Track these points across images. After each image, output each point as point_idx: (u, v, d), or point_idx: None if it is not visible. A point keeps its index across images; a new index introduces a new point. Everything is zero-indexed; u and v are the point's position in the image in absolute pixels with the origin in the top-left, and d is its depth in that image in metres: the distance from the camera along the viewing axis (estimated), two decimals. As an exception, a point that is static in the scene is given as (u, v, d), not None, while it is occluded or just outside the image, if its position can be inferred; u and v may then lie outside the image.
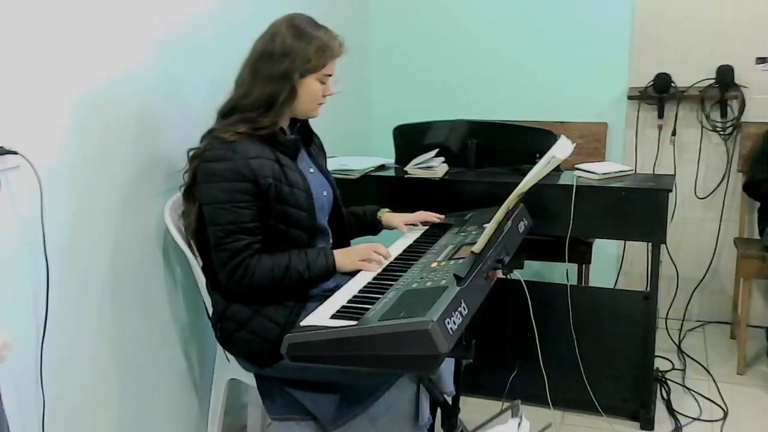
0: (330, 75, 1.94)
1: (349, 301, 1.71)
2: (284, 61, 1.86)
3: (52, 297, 1.67)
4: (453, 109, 3.40)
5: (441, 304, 1.51)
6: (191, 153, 1.90)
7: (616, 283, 3.43)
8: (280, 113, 1.89)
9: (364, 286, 1.80)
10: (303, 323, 1.61)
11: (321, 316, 1.63)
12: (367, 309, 1.61)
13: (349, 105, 3.45)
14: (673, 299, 3.35)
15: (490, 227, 1.77)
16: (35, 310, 1.65)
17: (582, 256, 2.95)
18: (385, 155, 2.85)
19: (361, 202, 2.35)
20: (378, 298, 1.67)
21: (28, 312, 1.64)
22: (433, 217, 2.27)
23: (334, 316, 1.62)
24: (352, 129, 3.49)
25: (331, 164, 2.67)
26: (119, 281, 1.92)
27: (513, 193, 1.80)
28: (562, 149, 1.80)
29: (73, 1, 1.72)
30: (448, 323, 1.49)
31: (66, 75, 1.71)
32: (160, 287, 2.09)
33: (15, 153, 1.55)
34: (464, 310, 1.58)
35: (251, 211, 1.83)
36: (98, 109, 1.82)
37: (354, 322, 1.54)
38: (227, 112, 1.90)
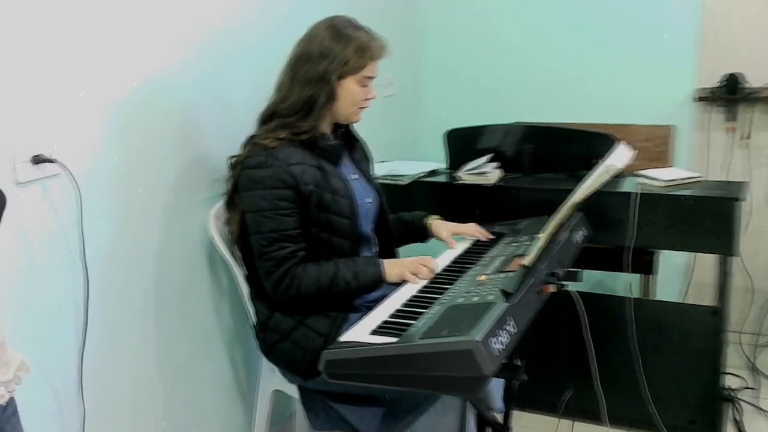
0: (371, 77, 1.88)
1: (392, 316, 1.64)
2: (322, 62, 1.81)
3: (92, 306, 1.65)
4: (508, 112, 3.26)
5: (486, 322, 1.42)
6: (232, 161, 1.87)
7: (685, 296, 3.25)
8: (319, 117, 1.84)
9: (408, 300, 1.73)
10: (342, 338, 1.55)
11: (361, 332, 1.56)
12: (410, 325, 1.53)
13: (402, 109, 3.38)
14: (748, 312, 3.15)
15: (542, 239, 1.67)
16: (75, 319, 1.64)
17: (646, 266, 2.78)
18: (438, 160, 2.76)
19: (411, 209, 2.28)
20: (422, 313, 1.59)
21: (69, 321, 1.63)
22: (483, 235, 2.16)
23: (374, 332, 1.56)
24: (404, 133, 3.42)
25: (382, 169, 2.62)
26: (162, 290, 1.90)
27: (567, 204, 1.69)
28: (620, 157, 1.68)
29: (112, 4, 1.70)
30: (494, 343, 1.40)
31: (104, 80, 1.69)
32: (204, 296, 2.06)
33: (53, 161, 1.54)
34: (512, 328, 1.49)
35: (294, 218, 1.79)
36: (138, 115, 1.80)
37: (394, 339, 1.47)
38: (267, 118, 1.86)
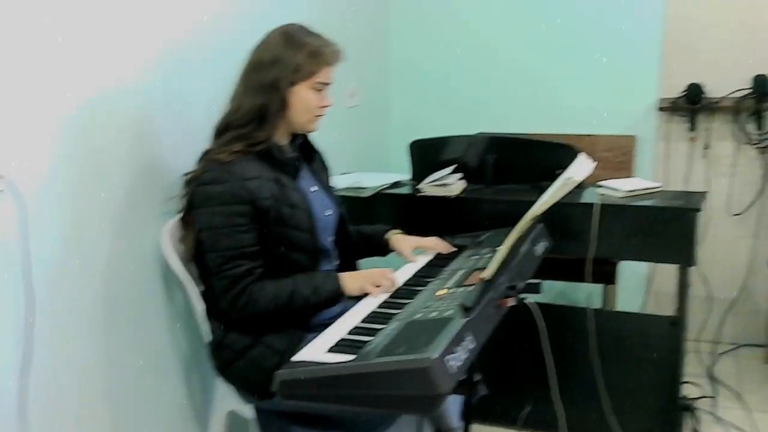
0: (326, 84, 1.84)
1: (349, 333, 1.62)
2: (272, 69, 1.77)
3: (38, 326, 1.59)
4: (476, 122, 3.28)
5: (443, 339, 1.40)
6: (187, 177, 1.82)
7: (645, 304, 3.28)
8: (274, 126, 1.81)
9: (367, 316, 1.70)
10: (296, 358, 1.52)
11: (317, 350, 1.54)
12: (367, 342, 1.51)
13: (367, 119, 3.36)
14: (705, 321, 3.19)
15: (501, 252, 1.66)
16: (20, 340, 1.57)
17: (607, 276, 2.81)
18: (405, 171, 2.75)
19: (373, 222, 2.26)
20: (380, 330, 1.57)
21: (12, 343, 1.56)
22: (444, 248, 2.14)
23: (331, 350, 1.53)
24: (370, 144, 3.40)
25: (344, 181, 2.60)
26: (112, 308, 1.84)
27: (526, 217, 1.69)
28: (579, 170, 1.68)
29: (64, 15, 1.65)
30: (451, 360, 1.38)
31: (56, 93, 1.63)
32: (157, 313, 2.00)
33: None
34: (470, 344, 1.47)
35: (251, 234, 1.75)
36: (91, 128, 1.74)
37: (351, 357, 1.44)
38: (221, 131, 1.82)
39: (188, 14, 2.07)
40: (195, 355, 2.12)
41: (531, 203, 1.77)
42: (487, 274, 1.63)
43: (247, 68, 1.82)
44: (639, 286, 3.30)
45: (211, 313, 1.88)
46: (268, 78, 1.77)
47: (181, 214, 1.85)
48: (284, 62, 1.77)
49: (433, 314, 1.58)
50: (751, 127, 3.08)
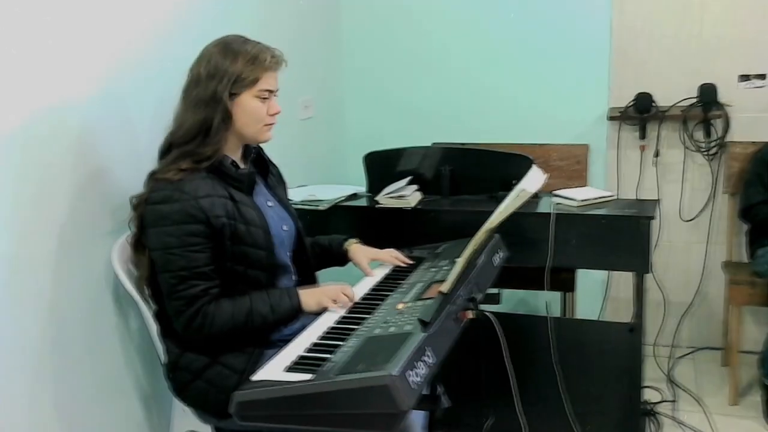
0: (270, 91, 1.80)
1: (307, 350, 1.59)
2: (211, 82, 1.73)
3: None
4: (431, 132, 3.29)
5: (403, 354, 1.39)
6: (134, 200, 1.77)
7: (602, 311, 3.31)
8: (219, 140, 1.75)
9: (325, 332, 1.68)
10: (255, 377, 1.48)
11: (275, 369, 1.50)
12: (326, 359, 1.48)
13: (322, 131, 3.34)
14: (662, 325, 3.23)
15: (458, 265, 1.65)
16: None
17: (566, 284, 2.83)
18: (361, 183, 2.72)
19: (330, 234, 2.23)
20: (339, 346, 1.55)
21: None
22: (401, 261, 2.12)
23: (289, 369, 1.50)
24: (326, 156, 3.38)
25: (300, 194, 2.57)
26: (60, 330, 1.78)
27: (481, 229, 1.68)
28: (532, 181, 1.69)
29: (9, 25, 1.59)
30: (411, 376, 1.36)
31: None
32: (110, 334, 1.94)
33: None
34: (429, 358, 1.46)
35: (205, 254, 1.70)
36: (33, 144, 1.68)
37: (309, 376, 1.42)
38: (165, 151, 1.77)
39: (133, 28, 2.03)
40: (151, 376, 2.06)
41: (488, 213, 1.77)
42: (445, 287, 1.62)
43: (187, 85, 1.77)
44: (597, 292, 3.33)
45: (166, 333, 1.82)
46: (208, 91, 1.73)
47: (132, 239, 1.80)
48: (223, 73, 1.73)
49: (392, 329, 1.56)
50: (698, 135, 3.14)
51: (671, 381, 2.98)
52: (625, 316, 3.11)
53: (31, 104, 1.67)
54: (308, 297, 1.81)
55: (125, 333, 1.99)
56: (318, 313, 1.81)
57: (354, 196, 2.64)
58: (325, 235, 2.17)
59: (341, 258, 2.13)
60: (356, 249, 2.12)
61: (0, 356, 1.61)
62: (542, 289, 2.35)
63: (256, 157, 1.93)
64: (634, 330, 2.36)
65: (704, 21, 3.07)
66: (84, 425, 1.86)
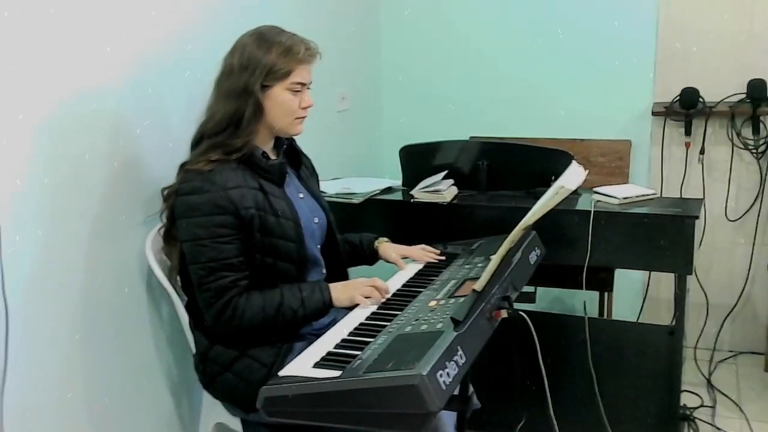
0: (302, 84, 1.77)
1: (337, 346, 1.56)
2: (244, 73, 1.71)
3: (12, 342, 1.54)
4: (468, 126, 3.25)
5: (434, 354, 1.35)
6: (165, 192, 1.77)
7: (641, 312, 3.23)
8: (250, 132, 1.74)
9: (355, 328, 1.65)
10: (282, 372, 1.46)
11: (303, 365, 1.48)
12: (355, 356, 1.46)
13: (358, 124, 3.31)
14: (703, 328, 3.14)
15: (493, 263, 1.61)
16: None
17: (603, 283, 2.76)
18: (397, 176, 2.69)
19: (363, 229, 2.21)
20: (368, 343, 1.52)
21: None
22: (432, 256, 2.09)
23: (317, 365, 1.47)
24: (362, 149, 3.35)
25: (334, 187, 2.54)
26: (94, 320, 1.79)
27: (517, 227, 1.64)
28: (571, 179, 1.63)
29: (40, 18, 1.59)
30: (441, 376, 1.33)
31: (30, 99, 1.58)
32: (142, 325, 1.95)
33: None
34: (461, 358, 1.42)
35: (234, 245, 1.69)
36: (68, 134, 1.68)
37: (337, 373, 1.39)
38: (197, 142, 1.77)
39: (170, 17, 2.02)
40: (182, 366, 2.07)
41: (525, 210, 1.72)
42: (478, 285, 1.58)
43: (220, 75, 1.76)
44: (636, 293, 3.25)
45: (196, 325, 1.82)
46: (240, 82, 1.71)
47: (164, 230, 1.80)
48: (256, 64, 1.71)
49: (423, 327, 1.53)
50: (747, 132, 3.03)
51: (711, 386, 2.90)
52: (665, 317, 3.04)
53: (65, 93, 1.67)
54: (339, 292, 1.79)
55: (157, 323, 2.00)
56: (349, 307, 1.79)
57: (389, 190, 2.61)
58: (355, 233, 2.15)
59: (371, 256, 2.11)
60: (386, 247, 2.10)
61: (33, 345, 1.62)
62: (579, 288, 2.30)
63: (288, 149, 1.91)
64: (673, 333, 2.29)
65: (755, 14, 2.96)
66: (114, 414, 1.88)
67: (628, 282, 3.17)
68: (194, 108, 1.81)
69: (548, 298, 3.29)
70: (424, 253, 2.09)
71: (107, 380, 1.84)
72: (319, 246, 1.92)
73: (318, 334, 1.68)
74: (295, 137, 1.91)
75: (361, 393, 1.31)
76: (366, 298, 1.78)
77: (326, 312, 1.79)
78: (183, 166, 1.76)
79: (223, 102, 1.73)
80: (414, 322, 1.57)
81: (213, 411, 1.92)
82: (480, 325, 1.55)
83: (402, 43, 3.45)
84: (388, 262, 2.08)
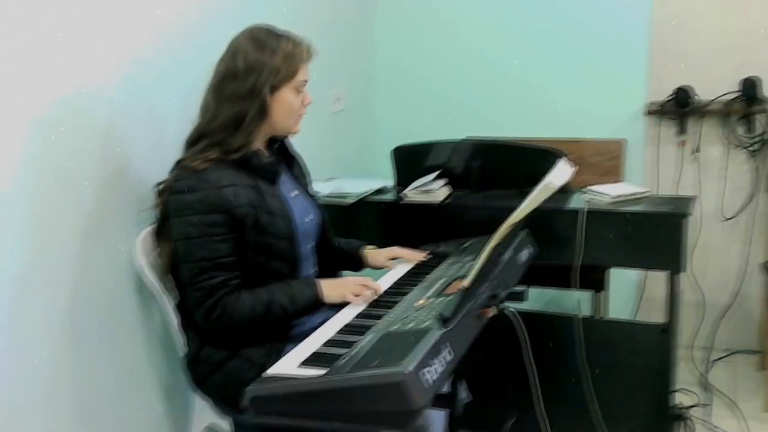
0: (305, 82, 1.81)
1: (324, 345, 1.57)
2: (250, 76, 1.73)
3: (0, 343, 1.54)
4: (463, 126, 3.24)
5: (419, 351, 1.35)
6: (159, 187, 1.78)
7: (636, 311, 3.23)
8: (250, 133, 1.75)
9: (343, 327, 1.65)
10: (269, 372, 1.47)
11: (290, 364, 1.49)
12: (341, 355, 1.46)
13: (353, 124, 3.31)
14: (699, 327, 3.13)
15: (480, 260, 1.61)
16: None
17: (596, 283, 2.77)
18: (392, 177, 2.69)
19: (356, 229, 2.22)
20: (355, 342, 1.52)
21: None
22: (415, 257, 2.08)
23: (304, 364, 1.48)
24: (356, 149, 3.36)
25: (327, 187, 2.55)
26: (83, 321, 1.78)
27: (504, 224, 1.64)
28: (559, 175, 1.63)
29: (32, 13, 1.60)
30: (427, 373, 1.33)
31: (21, 96, 1.58)
32: (132, 327, 1.95)
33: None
34: (448, 356, 1.42)
35: (227, 244, 1.70)
36: (58, 133, 1.68)
37: (323, 372, 1.39)
38: (194, 141, 1.77)
39: (162, 18, 2.02)
40: (172, 367, 2.06)
41: (516, 210, 1.72)
42: (466, 282, 1.58)
43: (220, 78, 1.76)
44: (630, 292, 3.25)
45: (187, 325, 1.82)
46: (246, 86, 1.73)
47: (155, 227, 1.80)
48: (261, 68, 1.73)
49: (411, 325, 1.52)
50: (740, 131, 3.03)
51: (705, 384, 2.89)
52: (660, 316, 3.02)
53: (56, 93, 1.67)
54: (330, 288, 1.79)
55: (147, 325, 2.00)
56: (340, 306, 1.79)
57: (381, 191, 2.61)
58: (348, 233, 2.15)
59: (357, 263, 2.11)
60: (374, 254, 2.11)
61: (21, 347, 1.62)
62: (573, 287, 2.30)
63: (280, 147, 1.92)
64: (666, 331, 2.29)
65: (749, 13, 2.96)
66: (104, 417, 1.87)
67: (624, 281, 3.17)
68: (186, 109, 1.82)
69: (545, 299, 3.29)
70: (411, 253, 2.09)
71: (97, 382, 1.84)
72: (311, 245, 1.93)
73: (310, 334, 1.68)
74: (292, 137, 1.92)
75: (347, 391, 1.31)
76: (356, 296, 1.78)
77: (317, 308, 1.79)
78: (178, 163, 1.77)
79: (228, 105, 1.74)
80: (401, 321, 1.57)
81: (203, 414, 1.92)
82: (468, 322, 1.56)
83: (396, 44, 3.46)
84: (376, 268, 2.07)
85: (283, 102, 1.77)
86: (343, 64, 3.17)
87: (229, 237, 1.70)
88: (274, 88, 1.75)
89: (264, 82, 1.73)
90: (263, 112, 1.75)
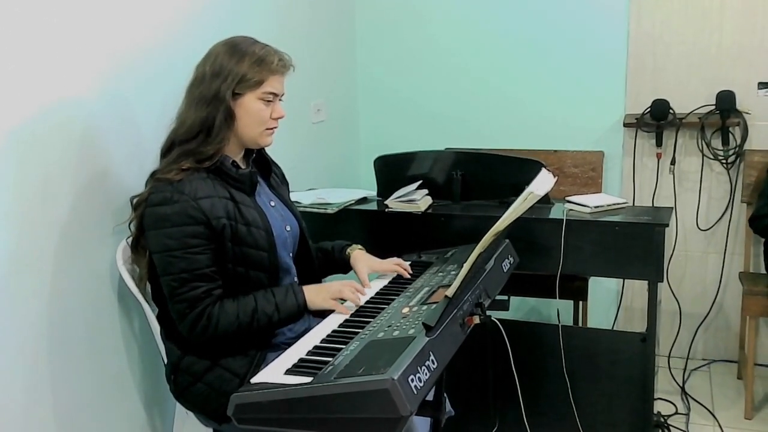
0: (275, 94, 1.78)
1: (309, 353, 1.56)
2: (216, 80, 1.72)
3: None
4: (444, 137, 3.28)
5: (405, 358, 1.36)
6: (135, 200, 1.76)
7: (615, 320, 3.26)
8: (221, 140, 1.74)
9: (328, 335, 1.65)
10: (254, 380, 1.46)
11: (275, 372, 1.48)
12: (327, 363, 1.46)
13: (335, 135, 3.32)
14: (676, 337, 3.17)
15: (464, 269, 1.62)
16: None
17: (577, 292, 2.80)
18: (374, 188, 2.70)
19: (339, 238, 2.20)
20: (341, 350, 1.52)
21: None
22: (404, 271, 2.03)
23: (289, 371, 1.47)
24: (338, 160, 3.36)
25: (309, 197, 2.55)
26: (63, 333, 1.76)
27: (488, 233, 1.65)
28: (541, 184, 1.65)
29: (8, 21, 1.59)
30: (413, 381, 1.33)
31: (0, 104, 1.57)
32: (113, 336, 1.93)
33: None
34: (433, 363, 1.43)
35: (206, 255, 1.69)
36: (36, 141, 1.67)
37: (308, 379, 1.39)
38: (167, 149, 1.76)
39: (141, 27, 2.02)
40: (154, 377, 2.04)
41: (498, 219, 1.74)
42: (450, 291, 1.59)
43: (191, 82, 1.76)
44: (611, 301, 3.28)
45: (168, 335, 1.81)
46: (211, 89, 1.71)
47: (132, 239, 1.79)
48: (228, 72, 1.71)
49: (396, 333, 1.53)
50: (716, 143, 3.09)
51: (685, 393, 2.92)
52: (640, 326, 3.06)
53: (34, 102, 1.66)
54: (314, 294, 1.79)
55: (128, 334, 1.98)
56: (325, 314, 1.78)
57: (364, 200, 2.61)
58: (329, 241, 2.14)
59: (343, 264, 2.08)
60: (358, 256, 2.04)
61: None
62: (554, 297, 2.32)
63: (258, 157, 1.91)
64: (646, 340, 2.31)
65: (723, 28, 3.02)
66: (84, 426, 1.85)
67: (603, 291, 3.20)
68: (166, 118, 1.81)
69: (525, 309, 3.31)
70: (396, 266, 2.03)
71: (77, 391, 1.82)
72: (291, 254, 1.92)
73: (291, 343, 1.67)
74: (270, 148, 1.91)
75: (333, 398, 1.31)
76: (341, 301, 1.78)
77: (301, 315, 1.79)
78: (153, 175, 1.75)
79: (195, 108, 1.73)
80: (386, 329, 1.58)
81: (186, 424, 1.90)
82: (452, 330, 1.56)
83: (378, 55, 3.47)
84: (356, 273, 2.04)
85: (248, 110, 1.75)
86: (325, 75, 3.19)
87: (208, 248, 1.69)
88: (237, 95, 1.73)
89: (228, 87, 1.71)
90: (230, 118, 1.74)
